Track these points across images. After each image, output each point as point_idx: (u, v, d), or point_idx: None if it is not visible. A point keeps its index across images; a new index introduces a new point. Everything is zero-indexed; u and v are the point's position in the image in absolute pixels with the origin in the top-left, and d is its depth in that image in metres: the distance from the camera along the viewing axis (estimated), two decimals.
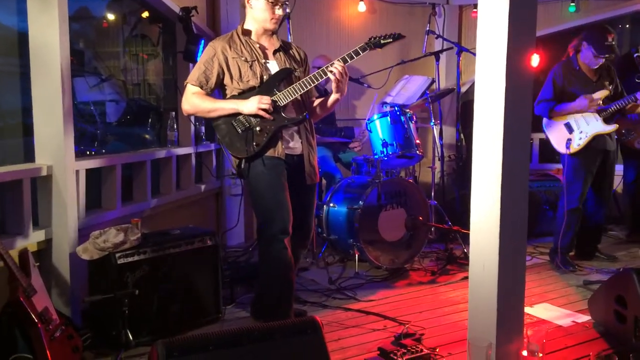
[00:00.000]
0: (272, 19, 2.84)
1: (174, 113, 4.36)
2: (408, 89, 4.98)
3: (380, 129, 4.20)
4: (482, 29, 2.32)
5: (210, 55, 2.84)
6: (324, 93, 2.94)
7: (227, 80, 2.86)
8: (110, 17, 5.14)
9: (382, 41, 2.80)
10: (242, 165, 2.85)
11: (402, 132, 4.16)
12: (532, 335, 2.57)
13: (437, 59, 4.92)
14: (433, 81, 5.06)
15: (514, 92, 2.26)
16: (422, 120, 5.49)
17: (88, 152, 4.04)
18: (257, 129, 2.79)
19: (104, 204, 3.43)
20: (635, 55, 3.75)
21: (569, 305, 3.36)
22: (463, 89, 5.49)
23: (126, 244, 2.76)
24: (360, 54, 2.77)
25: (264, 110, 2.74)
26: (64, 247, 2.79)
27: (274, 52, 2.93)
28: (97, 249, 2.70)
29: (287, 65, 2.91)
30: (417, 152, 4.20)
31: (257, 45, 2.89)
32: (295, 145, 2.92)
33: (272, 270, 2.83)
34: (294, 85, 2.79)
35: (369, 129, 4.30)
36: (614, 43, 3.89)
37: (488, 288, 2.35)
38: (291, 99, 2.80)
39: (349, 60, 2.77)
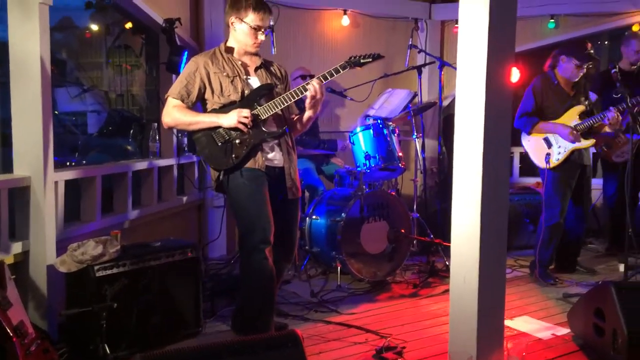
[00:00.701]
0: (254, 43, 2.88)
1: (156, 124, 4.33)
2: (391, 102, 5.02)
3: (363, 142, 4.21)
4: (463, 44, 2.36)
5: (192, 70, 2.85)
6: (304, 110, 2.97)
7: (208, 94, 2.86)
8: (93, 27, 5.12)
9: (361, 60, 2.81)
10: (221, 178, 2.85)
11: (385, 144, 4.18)
12: (512, 348, 2.58)
13: (420, 73, 4.97)
14: (415, 95, 5.10)
15: (494, 106, 2.30)
16: (404, 133, 5.52)
17: (68, 163, 4.00)
18: (237, 141, 2.79)
19: (83, 215, 3.39)
20: (613, 71, 3.82)
21: (548, 318, 3.39)
22: (445, 103, 5.54)
23: (105, 256, 2.72)
24: (340, 72, 2.79)
25: (243, 123, 2.75)
26: (41, 260, 2.75)
27: (256, 69, 2.96)
28: (75, 261, 2.67)
29: (269, 81, 2.94)
30: (400, 164, 4.22)
31: (239, 62, 2.91)
32: (276, 157, 2.92)
33: (253, 281, 2.81)
34: (274, 100, 2.81)
35: (351, 141, 4.32)
36: (593, 52, 3.97)
37: (468, 301, 2.36)
38: (271, 113, 2.81)
39: (328, 77, 2.78)
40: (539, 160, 4.07)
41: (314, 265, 4.36)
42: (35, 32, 2.67)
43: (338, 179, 4.53)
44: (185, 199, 4.60)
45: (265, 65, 3.01)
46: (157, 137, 4.30)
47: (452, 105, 5.71)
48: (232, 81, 2.84)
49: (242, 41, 2.89)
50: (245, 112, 2.76)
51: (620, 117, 3.92)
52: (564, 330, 3.15)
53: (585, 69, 4.01)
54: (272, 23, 2.99)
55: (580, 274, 4.27)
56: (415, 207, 4.88)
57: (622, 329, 2.55)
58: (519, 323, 3.29)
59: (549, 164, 3.98)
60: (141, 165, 4.00)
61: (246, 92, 2.85)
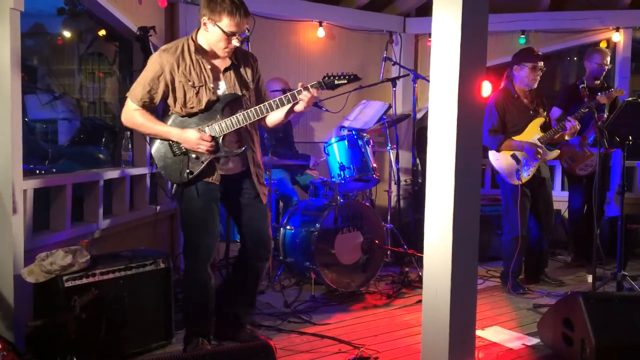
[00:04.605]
0: (225, 48, 2.72)
1: (129, 132, 4.28)
2: (365, 113, 5.05)
3: (337, 152, 4.23)
4: (436, 58, 2.40)
5: (157, 74, 2.70)
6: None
7: (170, 101, 2.76)
8: (66, 34, 5.06)
9: (336, 82, 2.75)
10: (175, 189, 2.83)
11: (359, 155, 4.21)
12: (484, 358, 2.62)
13: (394, 85, 5.02)
14: (390, 107, 5.15)
15: (466, 118, 2.33)
16: (378, 144, 5.56)
17: (38, 171, 3.93)
18: (193, 155, 2.75)
19: (52, 224, 3.33)
20: (581, 86, 3.91)
21: (519, 328, 3.43)
22: (419, 115, 5.61)
23: (74, 266, 2.67)
24: (310, 93, 2.71)
25: (206, 148, 2.70)
26: (8, 269, 2.68)
27: (224, 71, 2.82)
28: (43, 271, 2.61)
29: (236, 88, 2.82)
30: (374, 175, 4.25)
31: (209, 67, 2.75)
32: (235, 164, 2.86)
33: (193, 297, 2.91)
34: (237, 116, 2.71)
35: (326, 152, 4.33)
36: (540, 52, 4.13)
37: (441, 312, 2.38)
38: (232, 129, 2.73)
39: (297, 97, 2.71)
40: (509, 177, 4.11)
41: (288, 276, 4.35)
42: (6, 38, 2.63)
43: (313, 190, 4.53)
44: (158, 208, 4.54)
45: (235, 65, 2.85)
46: (130, 146, 4.25)
47: (425, 117, 5.77)
48: (197, 92, 2.72)
49: (213, 44, 2.72)
50: (207, 139, 2.68)
51: (579, 126, 4.02)
52: (534, 340, 3.20)
53: (540, 70, 4.10)
54: (247, 34, 2.91)
55: (548, 285, 4.34)
56: (389, 217, 4.91)
57: (591, 339, 2.60)
58: (490, 333, 3.33)
59: (521, 180, 4.04)
60: (113, 173, 3.95)
61: (211, 102, 2.74)
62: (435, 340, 2.41)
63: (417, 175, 5.29)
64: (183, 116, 2.77)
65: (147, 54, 3.97)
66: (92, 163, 4.66)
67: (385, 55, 5.20)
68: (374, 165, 4.29)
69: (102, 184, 3.72)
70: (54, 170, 4.18)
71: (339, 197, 4.10)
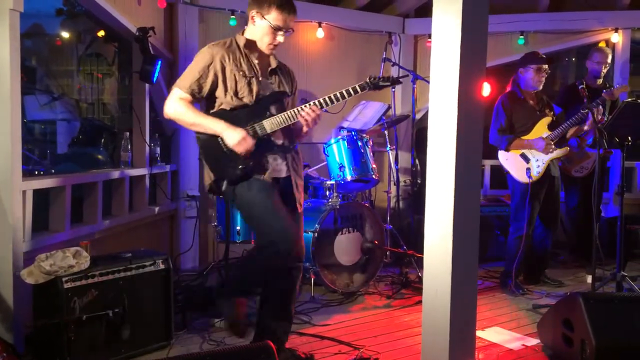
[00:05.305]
0: (270, 44, 2.72)
1: (128, 133, 4.28)
2: (365, 114, 5.05)
3: (337, 153, 4.23)
4: (436, 59, 2.40)
5: (207, 63, 2.66)
6: None
7: (219, 92, 2.68)
8: (64, 34, 5.06)
9: (380, 83, 2.75)
10: (224, 187, 2.68)
11: (359, 156, 4.21)
12: (483, 359, 2.61)
13: (393, 86, 5.02)
14: (389, 107, 5.15)
15: (466, 119, 2.33)
16: (378, 145, 5.56)
17: (37, 172, 3.92)
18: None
19: (51, 225, 3.32)
20: (580, 87, 3.92)
21: (519, 328, 3.43)
22: (418, 116, 5.61)
23: (74, 267, 2.67)
24: (358, 92, 2.70)
25: (243, 151, 2.62)
26: (7, 271, 2.67)
27: (271, 72, 2.83)
28: (42, 272, 2.60)
29: (283, 88, 2.82)
30: (373, 176, 4.25)
31: (257, 62, 2.75)
32: (280, 167, 2.80)
33: (265, 277, 2.71)
34: (287, 113, 2.68)
35: (326, 153, 4.33)
36: (545, 56, 4.17)
37: (441, 313, 2.38)
38: (282, 126, 2.68)
39: (346, 96, 2.68)
40: (520, 176, 4.12)
41: None
42: (5, 38, 2.62)
43: (312, 190, 4.53)
44: (157, 209, 4.55)
45: (281, 70, 2.87)
46: (129, 147, 4.25)
47: (424, 118, 5.78)
48: (248, 82, 2.68)
49: (258, 39, 2.72)
50: (247, 144, 2.61)
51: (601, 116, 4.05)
52: (534, 341, 3.20)
53: (544, 72, 4.16)
54: (292, 28, 2.83)
55: (548, 285, 4.34)
56: (388, 218, 4.91)
57: (591, 340, 2.60)
58: (490, 334, 3.33)
59: (531, 178, 4.06)
60: (112, 174, 3.95)
61: (260, 95, 2.71)
62: (435, 341, 2.41)
63: (417, 176, 5.29)
64: (233, 110, 2.69)
65: (146, 54, 3.97)
66: (91, 164, 4.65)
67: (384, 56, 5.20)
68: (374, 165, 4.29)
69: (101, 185, 3.72)
70: (53, 171, 4.17)
71: (338, 198, 4.10)
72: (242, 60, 2.71)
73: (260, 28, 2.70)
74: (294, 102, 2.96)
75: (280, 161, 2.79)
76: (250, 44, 2.75)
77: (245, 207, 2.72)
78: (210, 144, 2.69)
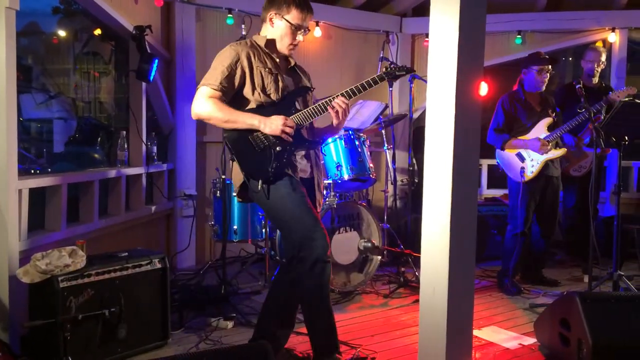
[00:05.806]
0: (290, 44, 2.76)
1: (124, 132, 4.27)
2: (362, 113, 5.04)
3: (334, 152, 4.22)
4: (433, 58, 2.40)
5: (234, 59, 2.64)
6: None
7: (247, 90, 2.67)
8: (61, 33, 5.04)
9: (397, 73, 2.78)
10: (260, 187, 2.61)
11: (356, 155, 4.20)
12: (480, 358, 2.62)
13: (391, 85, 5.01)
14: (386, 107, 5.14)
15: (463, 118, 2.33)
16: (375, 144, 5.56)
17: (33, 171, 3.91)
18: (277, 148, 2.62)
19: (47, 224, 3.31)
20: (578, 87, 3.93)
21: (516, 327, 3.43)
22: (415, 115, 5.61)
23: (70, 266, 2.66)
24: (378, 82, 2.69)
25: (287, 133, 2.59)
26: (3, 270, 2.67)
27: (290, 70, 2.85)
28: (38, 271, 2.59)
29: (303, 84, 2.84)
30: (371, 175, 4.25)
31: (278, 60, 2.76)
32: (306, 168, 2.81)
33: (311, 298, 2.63)
34: (313, 107, 2.68)
35: (323, 152, 4.32)
36: (548, 56, 4.18)
37: (438, 312, 2.38)
38: (311, 120, 2.68)
39: (367, 87, 2.67)
40: (514, 175, 4.19)
41: None
42: (1, 37, 2.62)
43: None
44: (153, 208, 4.54)
45: (299, 68, 2.90)
46: (126, 146, 4.24)
47: (422, 117, 5.78)
48: (275, 78, 2.68)
49: (278, 40, 2.75)
50: (290, 121, 2.60)
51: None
52: (530, 340, 3.20)
53: (547, 73, 4.18)
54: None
55: (546, 284, 4.34)
56: (385, 217, 4.90)
57: (587, 339, 2.60)
58: (487, 333, 3.33)
59: (524, 178, 4.09)
60: (109, 173, 3.94)
61: (286, 92, 2.70)
62: (432, 340, 2.41)
63: (414, 175, 5.29)
64: (260, 106, 2.67)
65: (143, 53, 3.96)
66: (87, 163, 4.64)
67: (382, 55, 5.18)
68: (371, 165, 4.29)
69: (97, 184, 3.71)
70: (49, 170, 4.15)
71: (335, 197, 4.10)
72: (266, 57, 2.73)
73: (279, 29, 2.75)
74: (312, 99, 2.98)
75: (305, 162, 2.82)
76: (270, 44, 2.77)
77: (279, 206, 2.63)
78: (242, 144, 2.64)
